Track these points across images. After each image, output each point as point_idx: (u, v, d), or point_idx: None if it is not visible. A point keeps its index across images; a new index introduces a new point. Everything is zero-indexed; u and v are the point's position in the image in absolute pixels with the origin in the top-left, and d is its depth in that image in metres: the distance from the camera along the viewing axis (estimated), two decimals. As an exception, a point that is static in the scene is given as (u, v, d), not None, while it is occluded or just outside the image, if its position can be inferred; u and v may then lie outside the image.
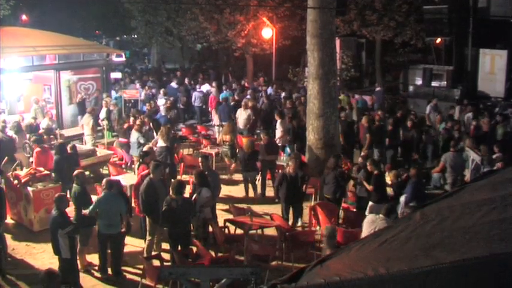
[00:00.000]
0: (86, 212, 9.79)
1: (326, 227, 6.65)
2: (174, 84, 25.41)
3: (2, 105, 19.48)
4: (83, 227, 9.65)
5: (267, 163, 14.30)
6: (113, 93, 22.71)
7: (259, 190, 14.31)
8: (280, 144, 16.49)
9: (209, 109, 22.98)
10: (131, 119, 17.53)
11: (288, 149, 16.36)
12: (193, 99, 23.44)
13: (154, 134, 16.25)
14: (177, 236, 9.79)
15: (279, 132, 16.70)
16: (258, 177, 14.60)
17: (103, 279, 9.84)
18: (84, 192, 10.15)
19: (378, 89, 24.12)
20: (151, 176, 10.47)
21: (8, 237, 11.03)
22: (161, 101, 21.54)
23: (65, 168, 12.31)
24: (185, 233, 9.95)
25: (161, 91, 23.23)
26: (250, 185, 14.38)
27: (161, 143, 13.96)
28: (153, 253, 10.39)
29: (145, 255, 10.20)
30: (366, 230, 8.96)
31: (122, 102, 21.79)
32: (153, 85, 25.72)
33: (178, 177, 14.29)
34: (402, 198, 11.44)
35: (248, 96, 21.70)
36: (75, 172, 10.70)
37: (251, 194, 14.36)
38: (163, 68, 38.10)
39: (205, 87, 24.94)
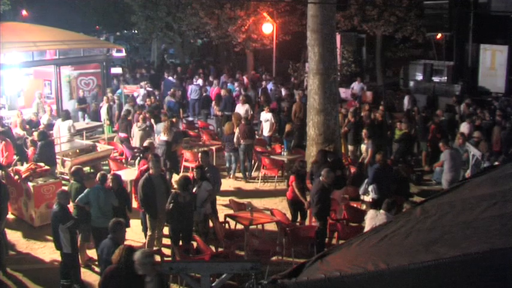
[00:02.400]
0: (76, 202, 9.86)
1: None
2: (171, 78, 25.65)
3: (2, 100, 19.47)
4: (83, 222, 9.66)
5: (244, 147, 15.04)
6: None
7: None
8: (267, 135, 17.09)
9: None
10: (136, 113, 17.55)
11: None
12: (188, 92, 23.48)
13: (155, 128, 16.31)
14: (179, 231, 9.81)
15: (266, 124, 17.12)
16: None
17: (104, 274, 9.86)
18: (83, 188, 10.13)
19: (356, 83, 24.65)
20: (150, 171, 10.48)
21: (8, 233, 11.04)
22: (140, 91, 21.90)
23: (47, 153, 13.37)
24: (187, 228, 9.97)
25: (142, 83, 23.40)
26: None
27: (163, 137, 14.22)
28: (154, 248, 10.40)
29: (147, 246, 10.23)
30: (368, 226, 8.96)
31: (122, 98, 21.79)
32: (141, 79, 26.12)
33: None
34: (365, 182, 12.04)
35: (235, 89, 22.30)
36: (73, 169, 10.71)
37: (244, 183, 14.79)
38: (145, 61, 38.13)
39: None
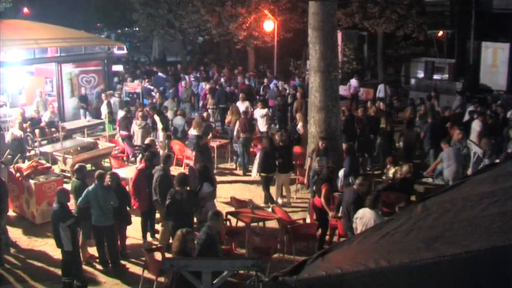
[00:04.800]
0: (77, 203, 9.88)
1: None
2: (161, 74, 26.22)
3: (3, 98, 19.47)
4: (84, 220, 9.67)
5: (243, 140, 15.49)
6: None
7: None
8: (264, 130, 17.25)
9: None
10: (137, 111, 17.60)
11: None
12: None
13: (159, 126, 16.28)
14: (179, 228, 9.80)
15: (262, 120, 17.26)
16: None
17: (104, 272, 9.88)
18: (84, 186, 10.13)
19: (353, 80, 24.78)
20: (162, 166, 10.68)
21: (10, 230, 11.05)
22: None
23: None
24: (187, 225, 9.96)
25: (136, 81, 23.93)
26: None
27: (193, 132, 15.01)
28: (159, 245, 10.43)
29: (160, 243, 10.43)
30: (360, 225, 8.90)
31: (124, 95, 21.83)
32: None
33: (180, 169, 14.31)
34: (341, 172, 12.22)
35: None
36: (76, 166, 10.72)
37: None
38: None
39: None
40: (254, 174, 14.29)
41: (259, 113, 17.43)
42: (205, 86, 22.73)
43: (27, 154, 15.13)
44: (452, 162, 12.63)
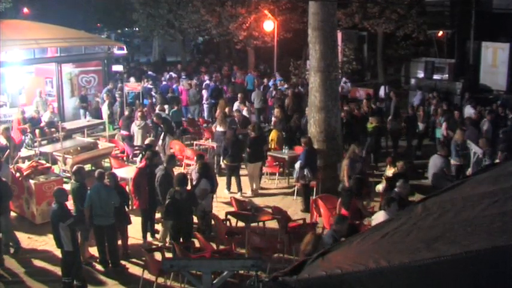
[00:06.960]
0: (84, 208, 9.83)
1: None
2: (151, 73, 26.98)
3: (3, 98, 19.47)
4: (82, 222, 9.65)
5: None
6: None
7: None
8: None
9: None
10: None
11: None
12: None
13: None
14: (179, 228, 9.82)
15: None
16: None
17: (104, 272, 9.87)
18: (83, 188, 10.11)
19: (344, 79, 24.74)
20: (165, 165, 10.79)
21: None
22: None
23: None
24: (187, 225, 9.97)
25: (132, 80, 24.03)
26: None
27: (219, 128, 15.38)
28: (159, 244, 10.43)
29: (160, 240, 10.55)
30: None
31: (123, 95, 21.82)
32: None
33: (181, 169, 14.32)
34: (297, 165, 12.91)
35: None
36: (74, 168, 10.71)
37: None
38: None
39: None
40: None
41: (245, 112, 17.56)
42: (183, 84, 22.92)
43: (20, 156, 14.90)
44: (430, 167, 12.78)
